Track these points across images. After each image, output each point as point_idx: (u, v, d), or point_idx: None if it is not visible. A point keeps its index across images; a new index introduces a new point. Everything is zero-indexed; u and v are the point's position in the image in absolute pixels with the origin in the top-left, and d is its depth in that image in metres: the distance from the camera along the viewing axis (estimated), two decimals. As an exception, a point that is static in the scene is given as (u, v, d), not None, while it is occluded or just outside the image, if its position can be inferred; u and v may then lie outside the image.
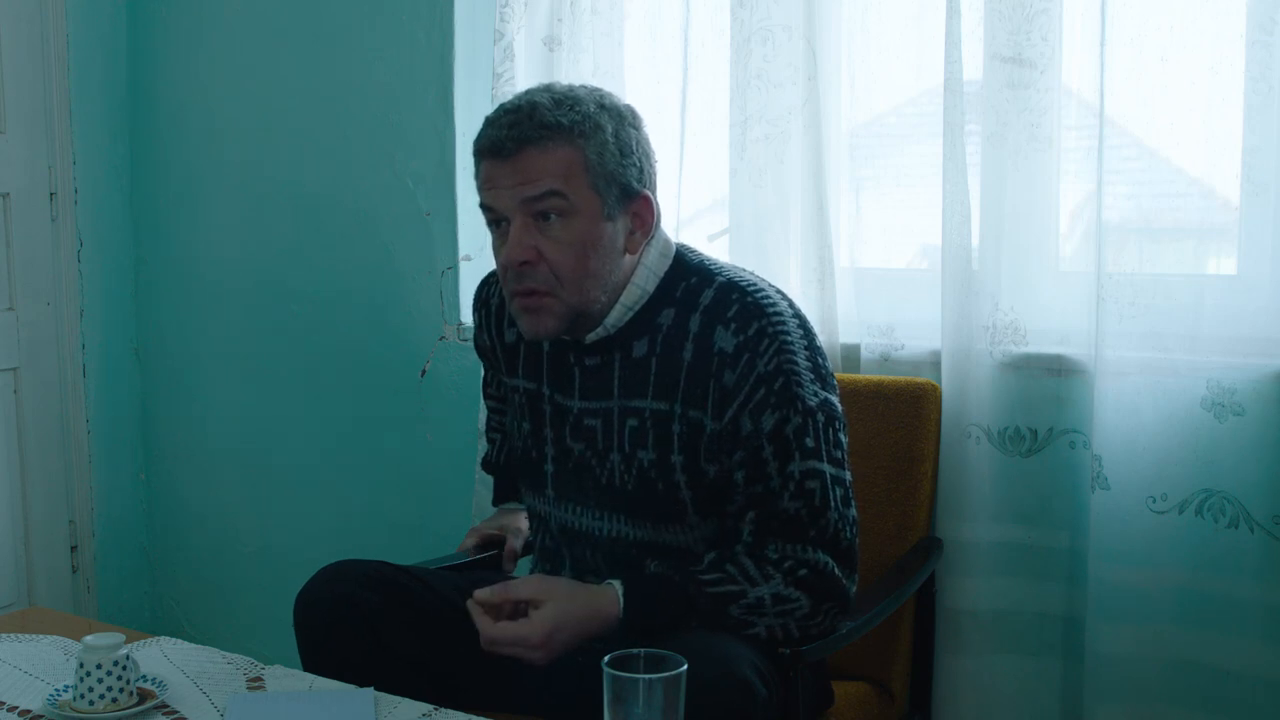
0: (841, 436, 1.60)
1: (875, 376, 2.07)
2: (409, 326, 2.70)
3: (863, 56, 2.16)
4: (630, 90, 2.40)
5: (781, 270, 2.21)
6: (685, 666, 1.17)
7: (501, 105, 1.58)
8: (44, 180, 2.93)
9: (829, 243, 2.15)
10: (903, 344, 2.12)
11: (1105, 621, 1.90)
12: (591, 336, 1.63)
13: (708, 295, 1.59)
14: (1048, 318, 2.00)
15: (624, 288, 1.61)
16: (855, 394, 2.03)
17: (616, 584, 1.54)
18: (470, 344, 2.60)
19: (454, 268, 2.63)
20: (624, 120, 1.58)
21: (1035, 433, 1.99)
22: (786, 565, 1.54)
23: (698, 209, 2.41)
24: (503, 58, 2.40)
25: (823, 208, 2.15)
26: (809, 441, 1.54)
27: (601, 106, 1.57)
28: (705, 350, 1.56)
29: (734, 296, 1.58)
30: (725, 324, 1.55)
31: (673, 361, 1.58)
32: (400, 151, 2.68)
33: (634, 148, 1.57)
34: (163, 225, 3.10)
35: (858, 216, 2.20)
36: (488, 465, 2.08)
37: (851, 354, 2.17)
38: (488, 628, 1.49)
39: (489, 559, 1.95)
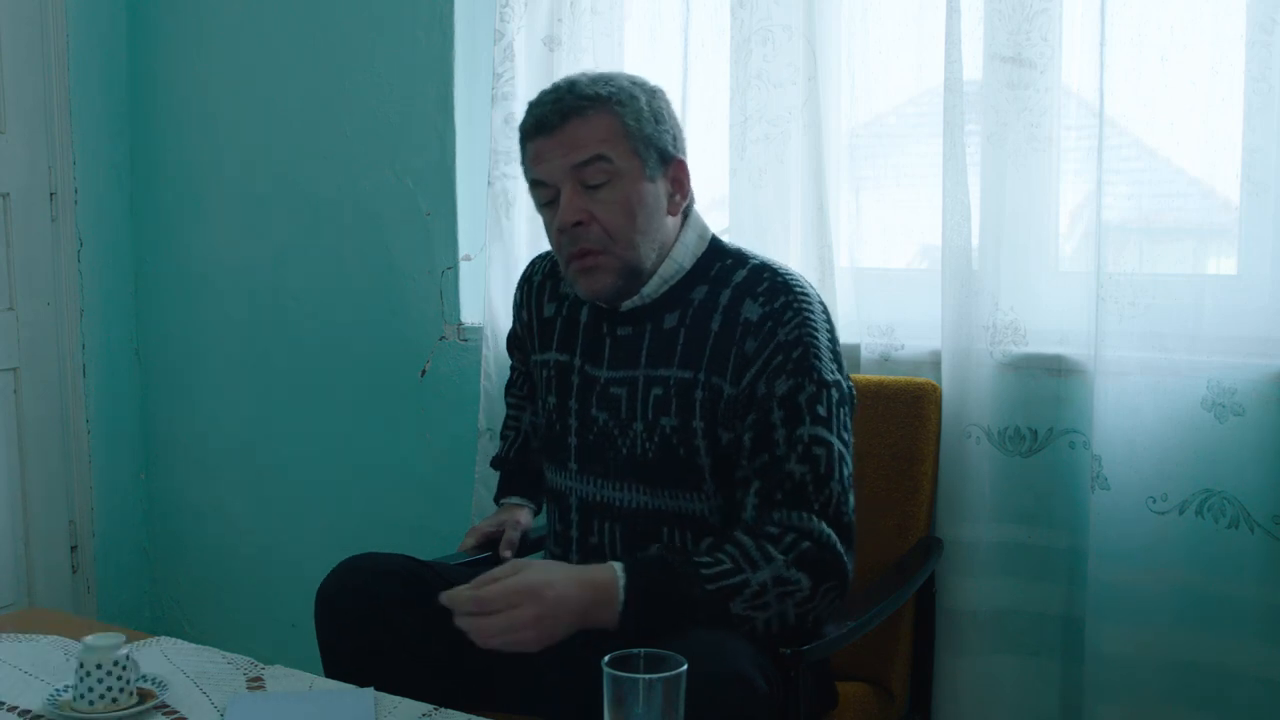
0: (849, 421, 1.63)
1: (875, 376, 2.08)
2: (409, 326, 2.71)
3: (863, 56, 2.16)
4: (630, 90, 2.40)
5: (781, 270, 2.21)
6: (685, 666, 1.17)
7: (542, 91, 1.69)
8: (44, 180, 2.94)
9: (829, 242, 2.16)
10: (903, 344, 2.12)
11: (1105, 621, 1.90)
12: (628, 305, 1.70)
13: (740, 274, 1.67)
14: (1048, 318, 2.00)
15: (669, 251, 1.69)
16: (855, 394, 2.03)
17: (615, 564, 1.50)
18: (470, 344, 2.61)
19: (454, 268, 2.63)
20: (655, 94, 1.70)
21: (1035, 433, 1.99)
22: (788, 540, 1.52)
23: (698, 209, 2.40)
24: (503, 58, 2.40)
25: (823, 208, 2.15)
26: (820, 410, 1.58)
27: (633, 82, 1.69)
28: (732, 320, 1.63)
29: (765, 275, 1.66)
30: (754, 297, 1.63)
31: (700, 332, 1.65)
32: (400, 151, 2.68)
33: (666, 116, 1.69)
34: (163, 225, 3.11)
35: (858, 216, 2.20)
36: (496, 461, 2.08)
37: (851, 354, 2.17)
38: (476, 623, 1.44)
39: (489, 558, 1.95)
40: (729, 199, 2.26)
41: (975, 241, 2.01)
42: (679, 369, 1.65)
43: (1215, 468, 1.83)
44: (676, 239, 1.70)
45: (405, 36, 2.65)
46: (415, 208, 2.67)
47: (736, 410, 1.61)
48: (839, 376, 1.62)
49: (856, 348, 2.16)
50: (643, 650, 1.19)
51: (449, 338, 2.66)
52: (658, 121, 1.66)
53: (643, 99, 1.66)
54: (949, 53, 1.98)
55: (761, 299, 1.62)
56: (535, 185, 1.68)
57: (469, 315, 2.64)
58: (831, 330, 1.65)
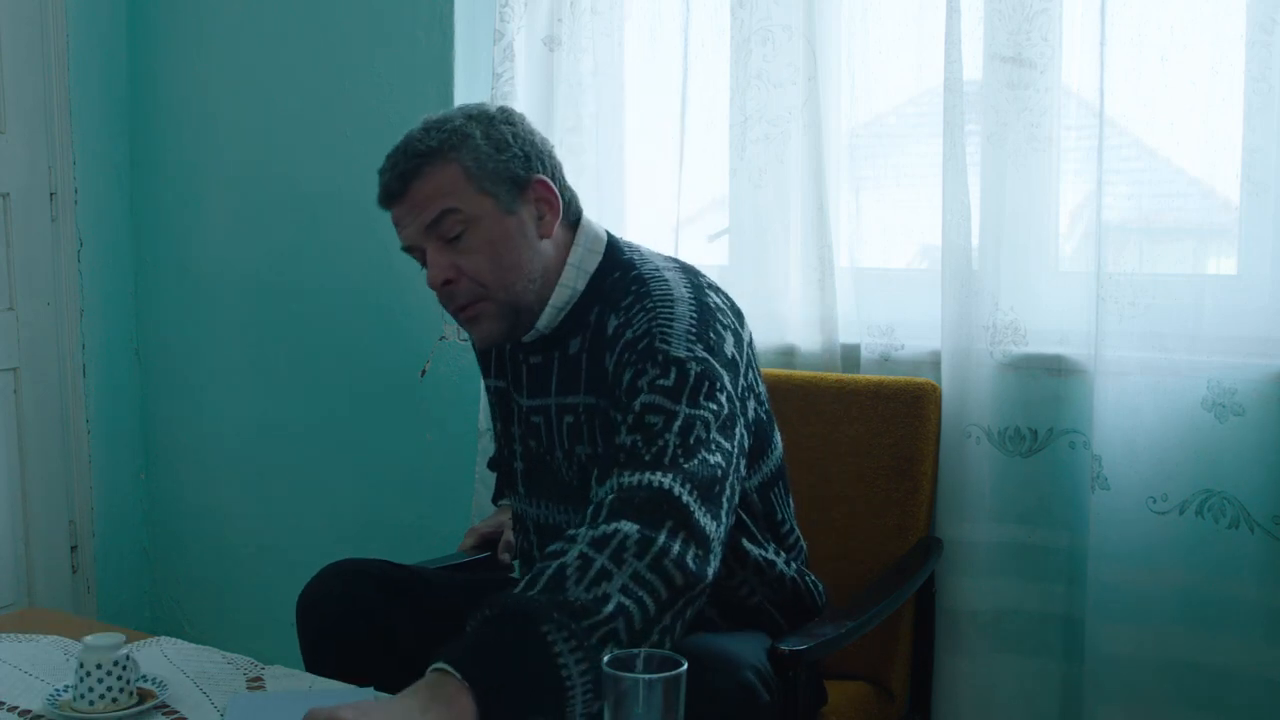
0: (720, 396, 1.47)
1: (875, 376, 2.08)
2: (409, 326, 2.71)
3: (863, 56, 2.16)
4: (630, 90, 2.40)
5: (781, 270, 2.21)
6: (685, 666, 1.17)
7: (386, 156, 1.62)
8: (44, 180, 2.93)
9: (829, 243, 2.16)
10: (903, 344, 2.12)
11: (1105, 622, 1.90)
12: (529, 337, 1.65)
13: (618, 288, 1.60)
14: (1048, 318, 2.00)
15: (555, 277, 1.62)
16: (855, 394, 2.04)
17: (440, 664, 1.25)
18: (470, 344, 2.60)
19: (454, 268, 2.63)
20: (493, 121, 1.60)
21: (1035, 433, 1.99)
22: (588, 511, 1.36)
23: (698, 209, 2.41)
24: (503, 58, 2.40)
25: (823, 208, 2.15)
26: (665, 382, 1.45)
27: (469, 117, 1.60)
28: (602, 340, 1.57)
29: (633, 287, 1.58)
30: (617, 312, 1.57)
31: (597, 355, 1.58)
32: (400, 151, 2.68)
33: (510, 142, 1.59)
34: (163, 225, 3.11)
35: (858, 216, 2.20)
36: (493, 463, 2.09)
37: (851, 354, 2.17)
38: None
39: (487, 559, 1.96)
40: (729, 199, 2.27)
41: (975, 241, 2.01)
42: (585, 395, 1.59)
43: (1215, 468, 1.83)
44: (566, 260, 1.62)
45: (405, 36, 2.64)
46: (415, 208, 2.67)
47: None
48: (703, 354, 1.48)
49: (856, 348, 2.16)
50: (643, 650, 1.19)
51: (449, 338, 2.66)
52: (500, 151, 1.58)
53: (478, 134, 1.58)
54: (949, 53, 1.98)
55: (621, 311, 1.55)
56: (407, 251, 1.63)
57: (469, 315, 2.64)
58: (701, 313, 1.53)
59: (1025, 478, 2.00)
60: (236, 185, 2.97)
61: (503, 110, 1.64)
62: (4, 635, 1.70)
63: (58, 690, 1.47)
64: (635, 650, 1.19)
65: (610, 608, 1.27)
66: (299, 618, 1.70)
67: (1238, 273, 1.91)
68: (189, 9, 2.99)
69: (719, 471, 1.41)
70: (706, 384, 1.46)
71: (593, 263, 1.64)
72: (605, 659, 1.17)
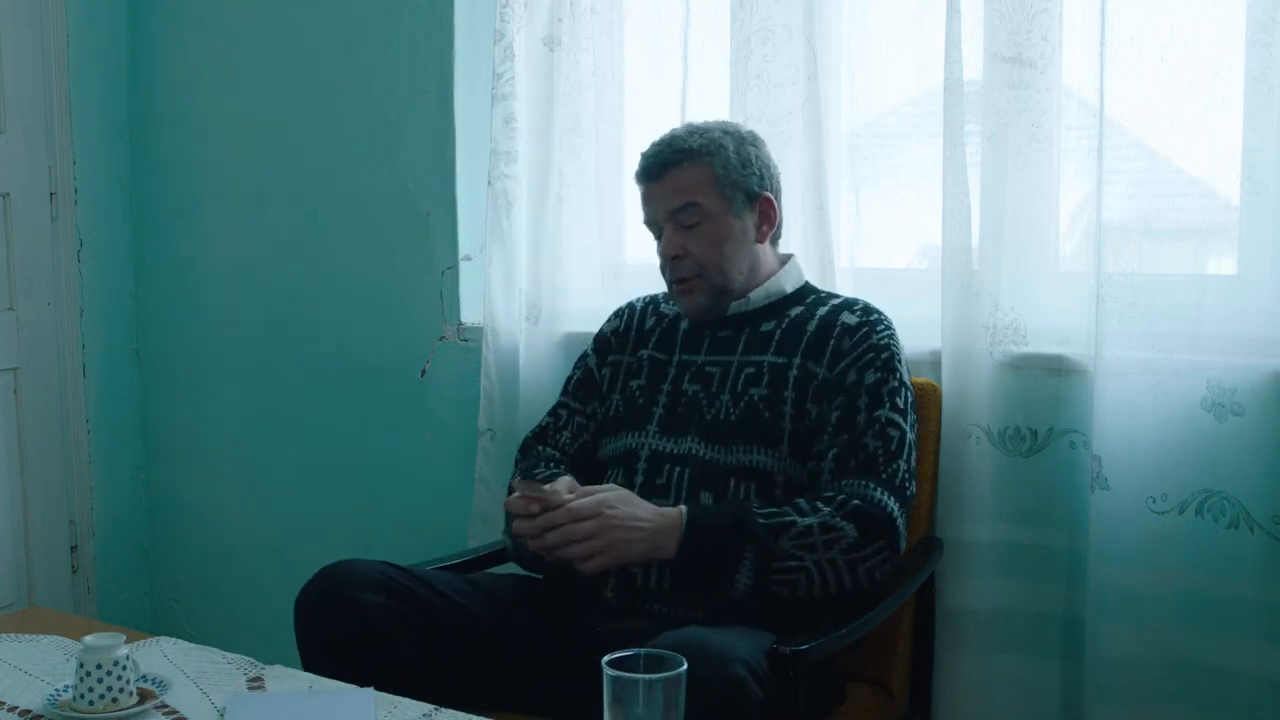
0: (915, 423, 1.87)
1: (875, 376, 2.07)
2: (409, 326, 2.71)
3: (863, 56, 2.16)
4: (630, 90, 2.40)
5: (781, 270, 2.21)
6: (685, 666, 1.17)
7: (652, 141, 1.96)
8: (44, 180, 2.94)
9: (829, 243, 2.16)
10: (903, 344, 2.12)
11: (1105, 622, 1.90)
12: (734, 308, 1.95)
13: (836, 299, 1.96)
14: (1048, 318, 2.00)
15: (764, 274, 1.95)
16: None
17: (688, 513, 1.73)
18: (470, 344, 2.61)
19: (454, 268, 2.63)
20: (744, 140, 1.94)
21: (1035, 433, 1.99)
22: (840, 499, 1.73)
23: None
24: (503, 58, 2.40)
25: (823, 208, 2.15)
26: (899, 402, 1.83)
27: (725, 132, 1.94)
28: (830, 324, 1.89)
29: (860, 302, 1.94)
30: (852, 311, 1.91)
31: (795, 334, 1.90)
32: (400, 151, 2.68)
33: (753, 161, 1.93)
34: (163, 225, 3.11)
35: (858, 216, 2.20)
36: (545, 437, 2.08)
37: (851, 354, 2.17)
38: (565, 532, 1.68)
39: (487, 558, 1.95)
40: (729, 199, 2.26)
41: (975, 241, 2.01)
42: (773, 356, 1.89)
43: (1215, 468, 1.83)
44: (780, 268, 1.97)
45: (405, 36, 2.65)
46: (415, 208, 2.67)
47: (826, 392, 1.83)
48: (909, 380, 1.88)
49: (856, 348, 2.16)
50: (643, 650, 1.19)
51: (449, 338, 2.66)
52: (744, 166, 1.91)
53: (731, 147, 1.91)
54: (949, 53, 1.98)
55: (859, 313, 1.90)
56: (646, 223, 1.96)
57: (469, 315, 2.64)
58: (903, 355, 1.90)
59: (1025, 478, 2.00)
60: (236, 185, 2.97)
61: (751, 133, 1.98)
62: (4, 635, 1.71)
63: (58, 690, 1.47)
64: (637, 650, 1.19)
65: (794, 563, 1.69)
66: (297, 620, 1.71)
67: (1238, 273, 1.91)
68: (189, 10, 2.99)
69: (914, 495, 1.84)
70: (913, 410, 1.87)
71: (799, 282, 1.99)
72: (605, 659, 1.18)
